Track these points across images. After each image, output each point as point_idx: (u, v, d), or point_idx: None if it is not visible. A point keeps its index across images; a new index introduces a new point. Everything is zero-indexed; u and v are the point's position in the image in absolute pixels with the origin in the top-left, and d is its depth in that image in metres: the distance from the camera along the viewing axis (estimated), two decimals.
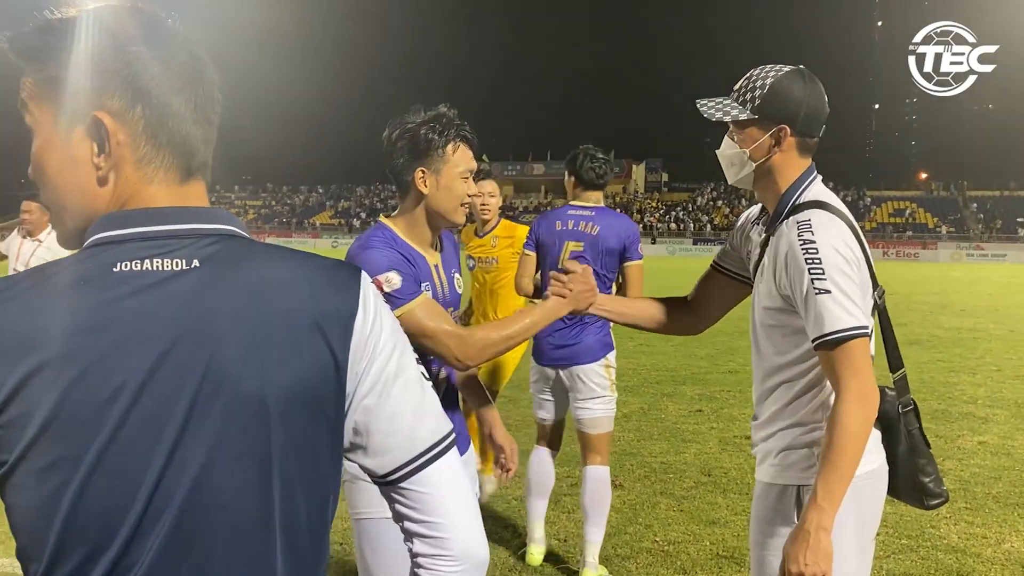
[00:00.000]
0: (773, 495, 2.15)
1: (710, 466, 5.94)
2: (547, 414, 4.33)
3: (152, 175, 1.03)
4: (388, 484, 1.12)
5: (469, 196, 2.36)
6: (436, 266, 2.41)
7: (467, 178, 2.34)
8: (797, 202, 2.12)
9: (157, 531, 0.94)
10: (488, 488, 5.13)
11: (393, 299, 2.16)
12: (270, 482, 1.00)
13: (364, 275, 1.13)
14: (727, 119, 2.18)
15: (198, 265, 0.99)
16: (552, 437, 4.38)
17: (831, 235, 2.00)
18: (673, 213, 78.18)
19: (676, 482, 5.54)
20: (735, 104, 2.16)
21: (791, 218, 2.08)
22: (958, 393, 8.68)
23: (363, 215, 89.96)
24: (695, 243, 63.76)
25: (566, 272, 2.41)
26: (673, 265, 35.58)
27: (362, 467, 1.12)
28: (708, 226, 71.35)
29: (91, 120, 1.00)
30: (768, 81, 2.12)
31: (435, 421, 1.13)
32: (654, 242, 64.37)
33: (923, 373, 9.70)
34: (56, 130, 1.01)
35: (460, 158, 2.32)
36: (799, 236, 2.01)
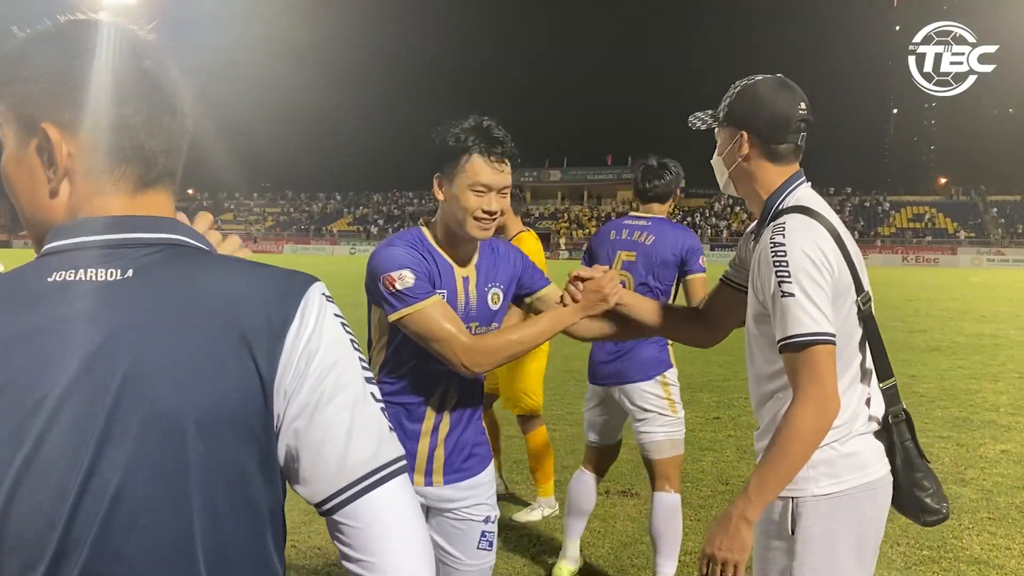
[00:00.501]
0: (768, 506, 2.12)
1: (727, 475, 5.88)
2: (596, 436, 4.16)
3: (102, 186, 1.02)
4: (324, 515, 1.03)
5: (484, 212, 2.25)
6: (466, 278, 2.38)
7: (480, 192, 2.24)
8: (780, 208, 2.14)
9: (78, 554, 0.91)
10: (546, 511, 5.05)
11: (405, 297, 2.18)
12: (189, 504, 0.94)
13: (316, 287, 1.04)
14: (702, 127, 2.27)
15: (131, 275, 0.96)
16: (600, 461, 4.20)
17: (801, 238, 1.99)
18: (690, 219, 77.94)
19: (693, 491, 5.49)
20: (710, 113, 2.26)
21: (771, 223, 2.10)
22: (980, 400, 8.57)
23: (380, 222, 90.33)
24: (712, 249, 63.51)
25: (582, 279, 2.40)
26: None
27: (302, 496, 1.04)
28: (725, 232, 71.12)
29: (40, 132, 1.00)
30: (736, 90, 2.20)
31: (374, 446, 1.02)
32: None
33: (944, 380, 9.60)
34: (16, 143, 1.03)
35: (474, 170, 2.24)
36: (771, 239, 2.01)
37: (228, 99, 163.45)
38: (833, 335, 1.94)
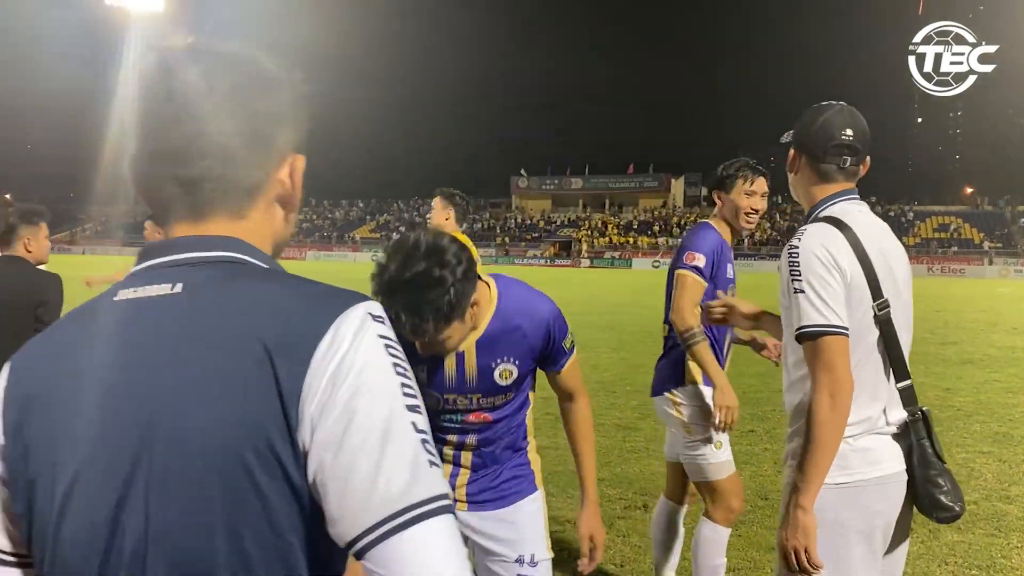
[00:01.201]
0: (788, 494, 2.27)
1: (766, 489, 5.81)
2: (665, 448, 4.04)
3: (163, 214, 1.04)
4: (357, 559, 0.90)
5: None
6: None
7: None
8: (814, 218, 2.37)
9: None
10: None
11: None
12: (213, 536, 0.90)
13: (360, 306, 0.95)
14: (785, 141, 2.53)
15: (179, 289, 0.96)
16: (671, 482, 3.98)
17: (814, 241, 2.23)
18: None
19: None
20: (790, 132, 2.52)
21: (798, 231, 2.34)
22: (1019, 415, 8.42)
23: (402, 228, 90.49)
24: (735, 257, 63.06)
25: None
26: None
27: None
28: (747, 241, 70.61)
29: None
30: (804, 113, 2.47)
31: (406, 481, 0.88)
32: None
33: (980, 394, 9.44)
34: None
35: None
36: (790, 244, 2.28)
37: None
38: (843, 327, 2.14)
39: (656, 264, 66.29)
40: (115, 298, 0.99)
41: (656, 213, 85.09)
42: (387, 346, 0.94)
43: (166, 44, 1.01)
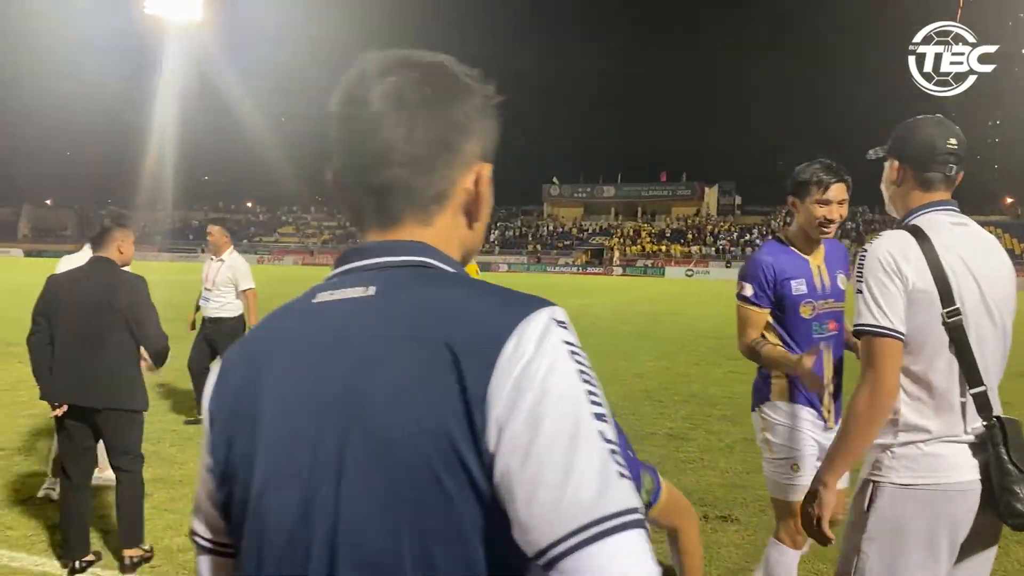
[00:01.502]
0: (859, 487, 2.43)
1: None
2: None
3: (359, 219, 1.08)
4: (548, 570, 0.86)
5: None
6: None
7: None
8: (898, 225, 2.46)
9: (311, 565, 0.94)
10: None
11: None
12: (399, 527, 0.90)
13: (545, 311, 0.94)
14: (875, 158, 2.64)
15: (373, 292, 0.99)
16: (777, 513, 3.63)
17: (882, 246, 2.33)
18: (747, 236, 77.02)
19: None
20: (882, 147, 2.61)
21: None
22: None
23: None
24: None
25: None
26: None
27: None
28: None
29: None
30: (899, 126, 2.55)
31: (595, 492, 0.85)
32: (728, 265, 63.68)
33: None
34: None
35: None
36: (863, 247, 2.39)
37: (286, 114, 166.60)
38: (894, 331, 2.24)
39: (690, 273, 65.90)
40: (314, 300, 1.03)
41: (689, 221, 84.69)
42: (572, 352, 0.92)
43: (365, 55, 1.05)
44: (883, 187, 2.60)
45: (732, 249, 73.38)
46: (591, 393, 0.91)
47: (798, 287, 3.41)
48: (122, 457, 4.34)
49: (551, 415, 0.87)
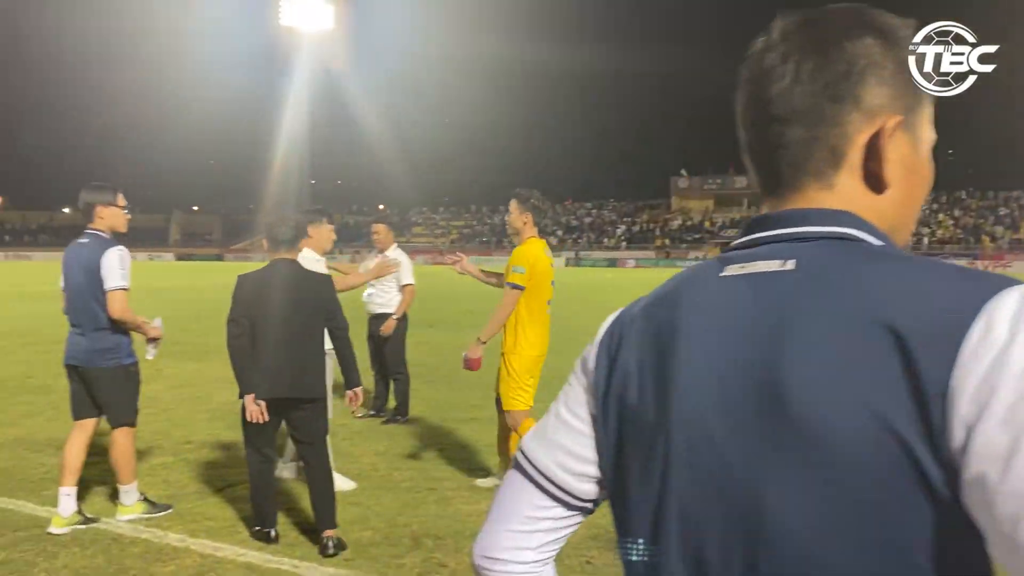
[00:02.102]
0: None
1: None
2: None
3: (765, 183, 1.01)
4: None
5: None
6: None
7: None
8: None
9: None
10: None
11: None
12: (834, 528, 0.79)
13: (1011, 291, 0.77)
14: None
15: (792, 267, 0.88)
16: None
17: None
18: None
19: None
20: None
21: None
22: None
23: (559, 232, 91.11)
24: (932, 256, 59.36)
25: None
26: None
27: None
28: (926, 240, 66.30)
29: None
30: None
31: None
32: None
33: None
34: None
35: None
36: None
37: (415, 118, 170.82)
38: None
39: None
40: (723, 273, 0.95)
41: None
42: None
43: (780, 14, 0.98)
44: None
45: None
46: None
47: None
48: (318, 442, 4.65)
49: None
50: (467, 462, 6.32)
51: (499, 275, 5.80)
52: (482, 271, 5.89)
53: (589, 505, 1.05)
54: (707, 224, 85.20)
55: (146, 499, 5.14)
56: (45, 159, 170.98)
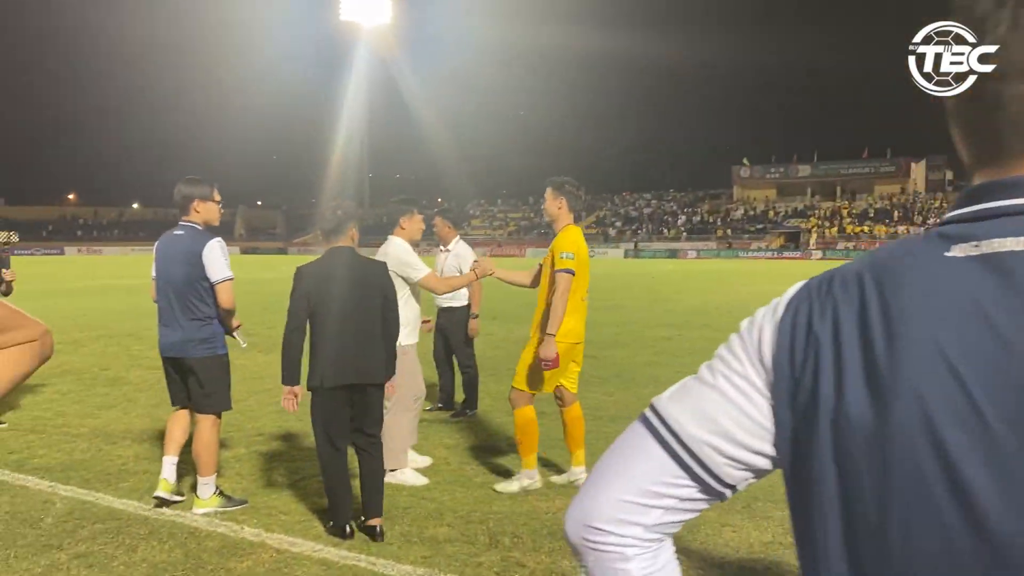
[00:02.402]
0: None
1: None
2: None
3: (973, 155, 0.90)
4: None
5: None
6: None
7: None
8: None
9: None
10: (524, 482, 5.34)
11: None
12: None
13: None
14: None
15: None
16: None
17: None
18: None
19: None
20: None
21: None
22: None
23: (618, 223, 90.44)
24: None
25: None
26: None
27: None
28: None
29: None
30: None
31: None
32: None
33: None
34: None
35: None
36: None
37: (472, 111, 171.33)
38: None
39: None
40: (948, 253, 0.80)
41: (894, 200, 79.06)
42: None
43: None
44: None
45: None
46: None
47: None
48: (375, 427, 4.70)
49: None
50: (539, 458, 6.19)
51: (518, 274, 5.95)
52: (498, 272, 5.88)
53: (728, 492, 0.93)
54: (770, 214, 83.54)
55: (222, 492, 5.14)
56: (116, 158, 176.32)
